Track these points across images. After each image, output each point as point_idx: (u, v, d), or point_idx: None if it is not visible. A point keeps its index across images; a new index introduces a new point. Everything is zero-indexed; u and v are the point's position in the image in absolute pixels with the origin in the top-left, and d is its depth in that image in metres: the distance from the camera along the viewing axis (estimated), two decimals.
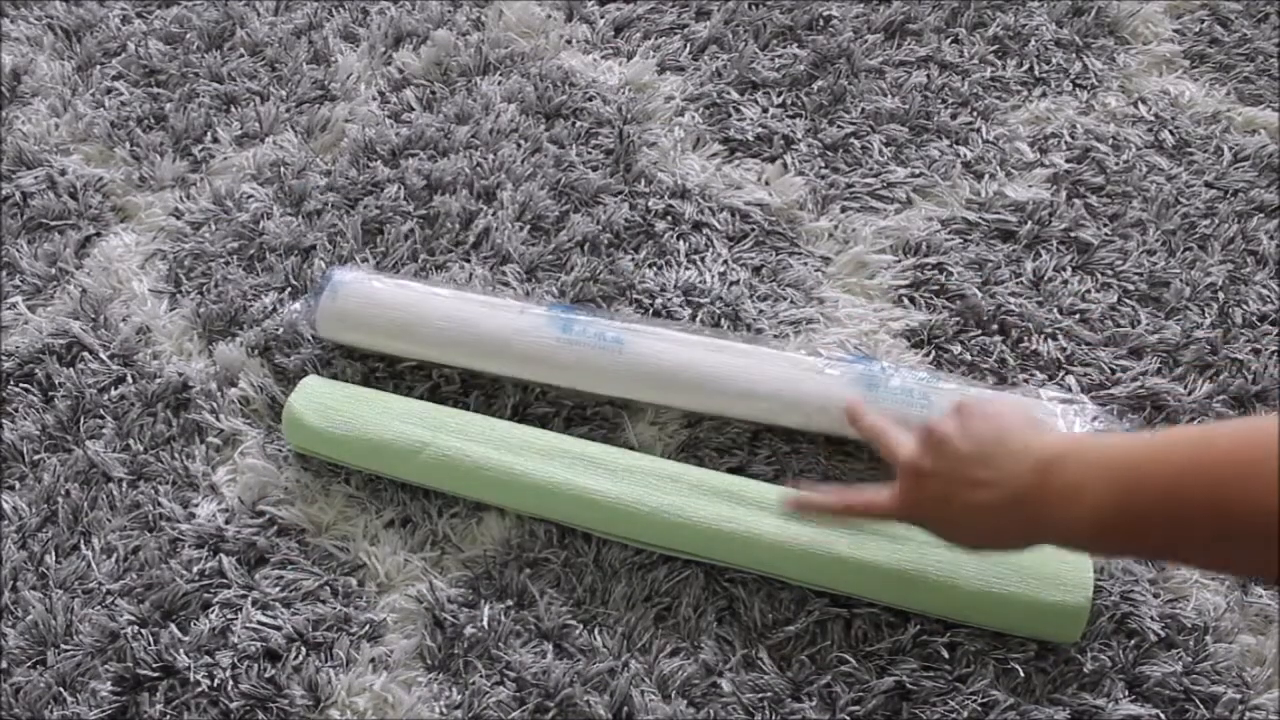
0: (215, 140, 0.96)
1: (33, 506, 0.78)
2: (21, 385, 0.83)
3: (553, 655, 0.70)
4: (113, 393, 0.83)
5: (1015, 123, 0.93)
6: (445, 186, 0.91)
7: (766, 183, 0.91)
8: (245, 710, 0.69)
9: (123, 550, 0.75)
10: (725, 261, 0.86)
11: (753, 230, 0.88)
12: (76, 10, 1.06)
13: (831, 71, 0.96)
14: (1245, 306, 0.82)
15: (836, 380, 0.75)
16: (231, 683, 0.70)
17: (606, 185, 0.90)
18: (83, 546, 0.76)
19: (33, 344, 0.85)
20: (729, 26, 1.00)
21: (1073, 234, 0.86)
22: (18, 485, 0.79)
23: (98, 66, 1.02)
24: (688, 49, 0.99)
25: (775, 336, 0.82)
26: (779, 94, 0.96)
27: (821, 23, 1.00)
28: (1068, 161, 0.90)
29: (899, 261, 0.86)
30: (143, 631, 0.72)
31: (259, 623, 0.72)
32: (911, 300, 0.84)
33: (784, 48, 0.98)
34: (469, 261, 0.87)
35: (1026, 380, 0.80)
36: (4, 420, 0.82)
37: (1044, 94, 0.95)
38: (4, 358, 0.85)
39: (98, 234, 0.92)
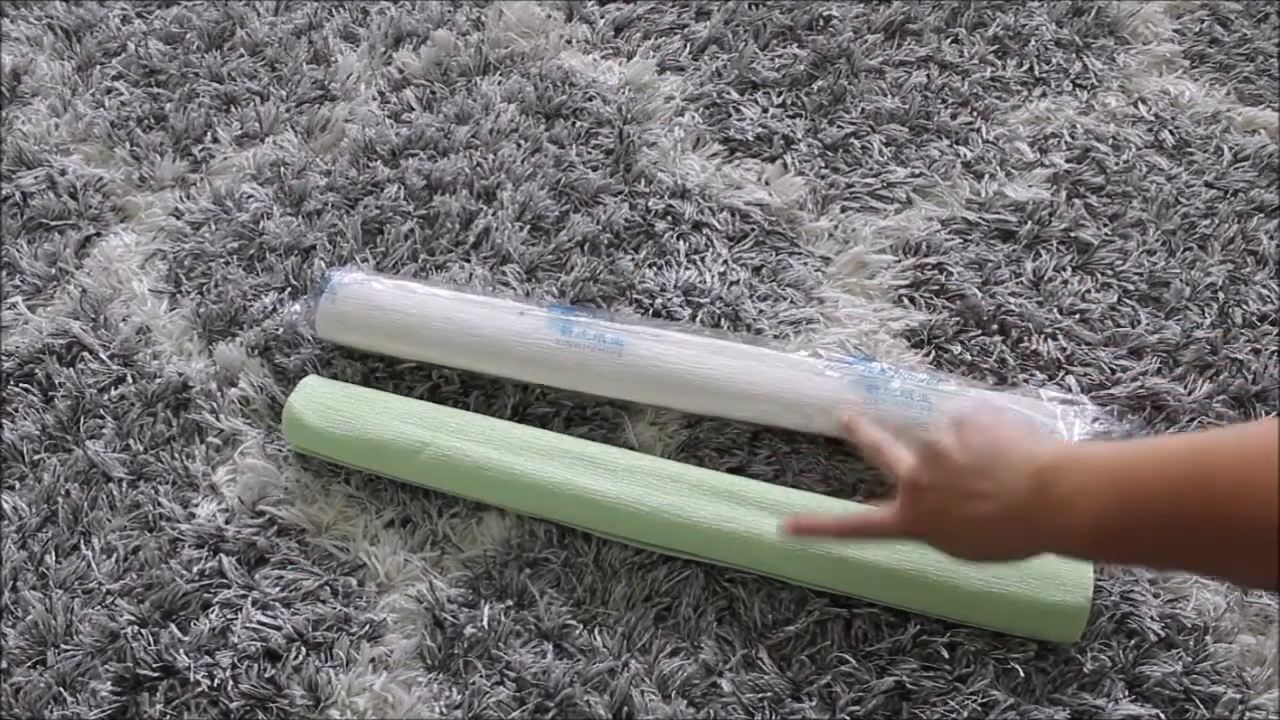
0: (215, 140, 0.96)
1: (33, 506, 0.78)
2: (21, 385, 0.83)
3: (553, 655, 0.70)
4: (113, 393, 0.83)
5: (1015, 123, 0.93)
6: (445, 186, 0.91)
7: (766, 183, 0.91)
8: (245, 710, 0.69)
9: (123, 550, 0.75)
10: (725, 261, 0.86)
11: (753, 230, 0.88)
12: (76, 10, 1.06)
13: (831, 71, 0.96)
14: (1245, 306, 0.82)
15: (836, 382, 0.75)
16: (231, 683, 0.70)
17: (606, 185, 0.90)
18: (83, 546, 0.76)
19: (33, 344, 0.85)
20: (729, 26, 1.00)
21: (1073, 234, 0.86)
22: (18, 485, 0.79)
23: (98, 66, 1.02)
24: (688, 49, 0.99)
25: (775, 336, 0.82)
26: (779, 94, 0.95)
27: (821, 23, 1.00)
28: (1068, 161, 0.90)
29: (899, 261, 0.86)
30: (143, 631, 0.72)
31: (259, 623, 0.72)
32: (911, 300, 0.84)
33: (784, 48, 0.98)
34: (469, 261, 0.87)
35: (1026, 380, 0.80)
36: (4, 420, 0.82)
37: (1044, 94, 0.95)
38: (4, 358, 0.85)
39: (98, 234, 0.92)
